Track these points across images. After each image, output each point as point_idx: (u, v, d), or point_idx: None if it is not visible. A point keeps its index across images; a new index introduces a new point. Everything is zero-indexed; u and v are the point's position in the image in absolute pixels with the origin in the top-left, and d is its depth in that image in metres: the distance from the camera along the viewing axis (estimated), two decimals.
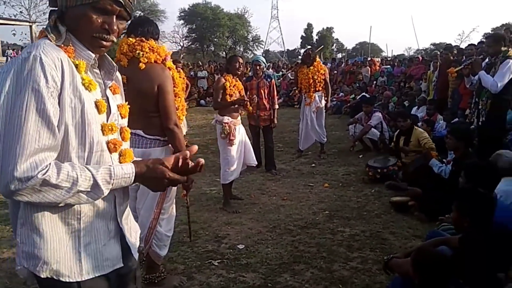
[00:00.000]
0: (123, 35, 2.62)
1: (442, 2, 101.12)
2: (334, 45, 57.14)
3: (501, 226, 2.29)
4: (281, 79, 15.66)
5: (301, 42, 56.07)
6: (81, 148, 1.17)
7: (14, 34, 32.09)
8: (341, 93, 12.82)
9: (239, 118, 4.45)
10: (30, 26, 25.36)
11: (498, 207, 2.30)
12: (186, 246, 3.47)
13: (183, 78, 7.27)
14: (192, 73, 16.05)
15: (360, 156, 6.60)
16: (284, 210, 4.33)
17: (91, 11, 1.14)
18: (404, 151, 5.15)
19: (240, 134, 4.44)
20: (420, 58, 11.73)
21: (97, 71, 1.27)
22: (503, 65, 4.15)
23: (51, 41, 1.14)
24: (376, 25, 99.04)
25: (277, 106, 5.77)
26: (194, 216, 4.06)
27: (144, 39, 2.53)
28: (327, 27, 52.87)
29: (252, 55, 51.15)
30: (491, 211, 2.22)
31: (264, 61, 5.81)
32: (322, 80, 6.45)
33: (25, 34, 29.47)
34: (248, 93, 5.58)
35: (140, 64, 2.48)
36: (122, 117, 1.35)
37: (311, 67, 6.36)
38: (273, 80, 5.82)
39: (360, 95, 10.98)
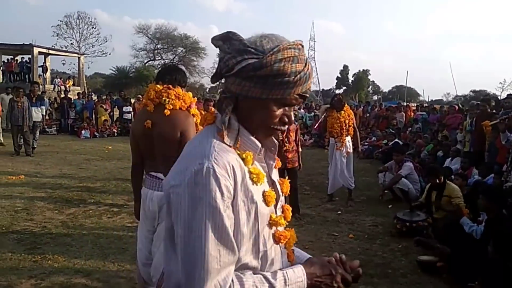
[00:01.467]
0: (153, 81, 2.71)
1: (482, 49, 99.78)
2: (370, 87, 57.11)
3: None
4: (313, 119, 15.67)
5: (336, 83, 56.49)
6: (254, 250, 1.08)
7: (63, 64, 34.36)
8: (373, 137, 12.63)
9: None
10: (79, 58, 26.96)
11: None
12: None
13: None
14: None
15: (390, 206, 6.36)
16: None
17: (274, 104, 1.05)
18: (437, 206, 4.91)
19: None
20: (456, 107, 11.42)
21: (261, 156, 1.15)
22: None
23: (222, 139, 1.04)
24: (413, 68, 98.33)
25: (300, 150, 5.82)
26: None
27: (171, 86, 2.60)
28: (363, 69, 53.12)
29: None
30: None
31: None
32: (352, 125, 6.42)
33: (74, 64, 31.43)
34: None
35: (166, 110, 2.54)
36: (283, 195, 1.25)
37: (342, 112, 6.34)
38: (298, 125, 5.93)
39: (393, 141, 10.76)
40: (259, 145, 1.10)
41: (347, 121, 6.35)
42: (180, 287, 1.00)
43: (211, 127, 1.09)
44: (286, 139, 5.45)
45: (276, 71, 1.00)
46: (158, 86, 2.60)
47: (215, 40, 1.08)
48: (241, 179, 1.02)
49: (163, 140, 2.55)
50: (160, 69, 2.85)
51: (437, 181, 4.89)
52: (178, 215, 0.99)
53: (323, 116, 6.65)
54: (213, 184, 0.97)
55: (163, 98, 2.57)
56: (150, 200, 2.65)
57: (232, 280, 0.99)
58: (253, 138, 1.09)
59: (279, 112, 1.06)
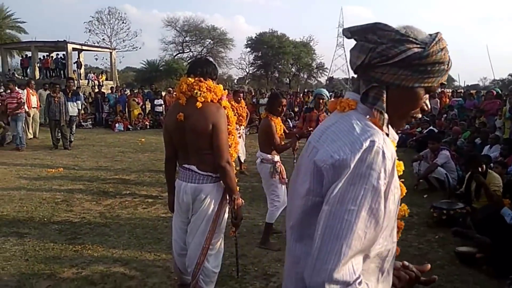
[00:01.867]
0: (184, 74, 2.74)
1: None
2: None
3: None
4: None
5: None
6: (389, 240, 1.08)
7: (96, 59, 35.28)
8: (406, 125, 12.29)
9: None
10: (111, 53, 27.57)
11: None
12: (234, 281, 3.43)
13: (244, 107, 7.46)
14: (254, 100, 16.34)
15: (425, 196, 6.20)
16: None
17: (422, 93, 1.07)
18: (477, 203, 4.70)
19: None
20: (494, 92, 10.92)
21: None
22: None
23: (379, 126, 1.04)
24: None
25: None
26: (244, 249, 4.03)
27: (202, 79, 2.61)
28: None
29: (316, 82, 51.22)
30: None
31: (328, 94, 5.71)
32: None
33: (106, 59, 32.21)
34: (305, 124, 5.51)
35: (197, 103, 2.56)
36: None
37: None
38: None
39: (428, 129, 10.44)
40: (396, 136, 1.14)
41: None
42: (309, 268, 0.96)
43: (353, 113, 1.08)
44: (311, 128, 5.28)
45: (438, 59, 1.04)
46: (190, 79, 2.62)
47: (352, 32, 1.10)
48: (393, 166, 1.02)
49: (195, 132, 2.58)
50: (190, 62, 2.86)
51: (479, 170, 4.70)
52: (333, 190, 0.96)
53: None
54: (380, 165, 0.96)
55: (195, 91, 2.58)
56: (184, 192, 2.69)
57: (360, 275, 0.96)
58: (390, 126, 1.11)
59: (423, 100, 1.09)
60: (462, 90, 20.06)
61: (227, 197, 2.74)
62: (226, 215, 2.82)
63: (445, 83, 1.09)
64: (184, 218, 2.80)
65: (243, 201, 2.77)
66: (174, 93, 16.24)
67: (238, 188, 2.73)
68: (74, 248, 4.01)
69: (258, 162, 4.26)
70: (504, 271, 3.30)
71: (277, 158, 4.18)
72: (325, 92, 5.63)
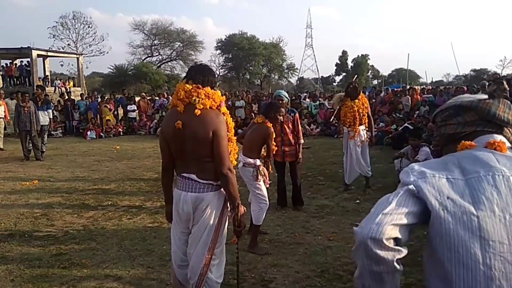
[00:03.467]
0: (182, 80, 2.66)
1: (482, 27, 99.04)
2: (370, 71, 56.78)
3: None
4: (319, 108, 15.59)
5: (336, 70, 56.20)
6: None
7: (61, 65, 34.20)
8: (381, 123, 12.55)
9: None
10: (77, 58, 26.78)
11: None
12: None
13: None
14: (229, 102, 16.27)
15: None
16: (332, 252, 4.16)
17: None
18: None
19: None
20: (465, 88, 11.32)
21: None
22: None
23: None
24: (412, 51, 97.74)
25: (302, 141, 5.53)
26: (239, 255, 3.96)
27: (200, 85, 2.54)
28: (362, 54, 52.73)
29: (287, 82, 51.64)
30: None
31: (287, 95, 5.66)
32: (366, 114, 6.37)
33: (72, 65, 31.29)
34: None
35: (196, 110, 2.49)
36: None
37: (356, 100, 6.27)
38: (296, 114, 5.58)
39: (403, 126, 10.70)
40: None
41: (361, 110, 6.29)
42: None
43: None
44: (281, 132, 5.28)
45: None
46: (187, 85, 2.54)
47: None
48: None
49: (195, 140, 2.50)
50: (190, 68, 2.77)
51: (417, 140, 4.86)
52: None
53: (338, 106, 6.51)
54: None
55: (193, 98, 2.51)
56: (184, 201, 2.61)
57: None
58: None
59: None
60: (430, 87, 20.69)
61: (228, 205, 2.68)
62: (227, 224, 2.76)
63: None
64: (184, 228, 2.72)
65: (245, 208, 2.72)
66: (148, 97, 15.89)
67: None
68: (62, 264, 3.83)
69: (240, 166, 4.23)
70: None
71: (258, 162, 4.20)
72: (283, 93, 5.56)
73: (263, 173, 4.17)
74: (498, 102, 1.20)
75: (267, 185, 4.26)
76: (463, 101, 1.25)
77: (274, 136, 4.26)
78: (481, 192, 1.04)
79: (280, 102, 5.31)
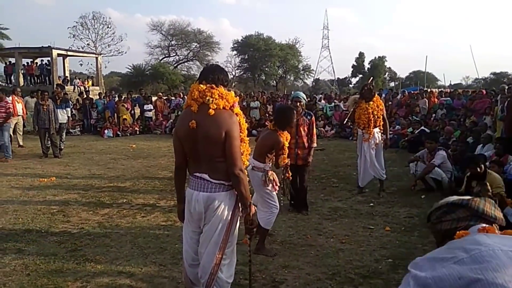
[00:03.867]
0: (196, 81, 2.68)
1: (502, 29, 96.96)
2: (387, 73, 56.16)
3: None
4: (334, 110, 15.49)
5: (352, 71, 55.76)
6: None
7: (81, 65, 34.87)
8: (397, 126, 12.41)
9: None
10: (96, 58, 27.22)
11: None
12: None
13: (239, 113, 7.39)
14: (244, 103, 16.31)
15: (423, 197, 6.24)
16: (344, 255, 4.13)
17: None
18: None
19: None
20: (484, 91, 11.11)
21: None
22: None
23: None
24: (431, 53, 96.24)
25: (315, 145, 5.49)
26: None
27: (214, 86, 2.57)
28: (379, 56, 52.19)
29: (302, 83, 51.48)
30: None
31: (305, 97, 5.60)
32: (381, 116, 6.29)
33: (91, 64, 31.83)
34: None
35: (210, 110, 2.51)
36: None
37: (371, 102, 6.21)
38: (313, 118, 5.53)
39: (419, 129, 10.56)
40: None
41: (375, 112, 6.21)
42: None
43: None
44: (296, 134, 5.24)
45: None
46: (201, 86, 2.57)
47: None
48: None
49: (208, 140, 2.52)
50: (203, 68, 2.80)
51: (478, 170, 4.75)
52: None
53: (353, 108, 6.46)
54: None
55: (207, 98, 2.53)
56: (196, 201, 2.63)
57: None
58: None
59: None
60: (448, 90, 20.35)
61: (240, 205, 2.69)
62: (238, 224, 2.77)
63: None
64: (195, 227, 2.74)
65: (256, 208, 2.72)
66: (164, 97, 16.08)
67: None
68: (76, 260, 3.90)
69: (249, 168, 4.12)
70: None
71: (267, 167, 4.11)
72: (302, 95, 5.52)
73: (272, 179, 4.09)
74: (485, 200, 1.37)
75: (276, 191, 4.18)
76: (454, 200, 1.41)
77: (284, 145, 4.13)
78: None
79: (298, 104, 5.29)
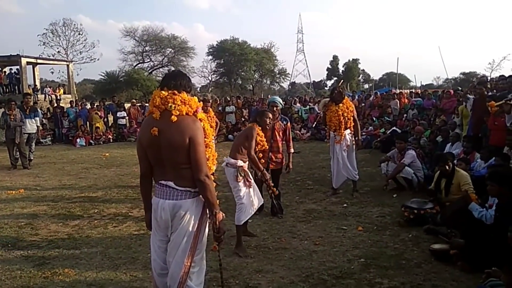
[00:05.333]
0: (158, 87, 2.65)
1: (471, 30, 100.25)
2: (361, 76, 57.10)
3: None
4: (309, 113, 15.63)
5: (327, 74, 56.43)
6: None
7: (52, 73, 34.00)
8: (370, 127, 12.61)
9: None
10: (68, 65, 26.65)
11: None
12: None
13: (212, 117, 7.37)
14: (220, 108, 16.26)
15: (394, 196, 6.36)
16: (317, 256, 4.16)
17: None
18: (446, 200, 4.87)
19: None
20: (451, 91, 11.44)
21: None
22: None
23: None
24: (402, 55, 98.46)
25: (292, 150, 5.63)
26: (223, 261, 3.91)
27: (176, 92, 2.54)
28: (353, 59, 53.01)
29: (279, 87, 51.73)
30: None
31: (281, 102, 5.68)
32: (351, 117, 6.38)
33: (62, 72, 31.12)
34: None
35: (172, 116, 2.48)
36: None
37: (340, 105, 6.30)
38: (288, 123, 5.62)
39: (391, 129, 10.76)
40: None
41: (345, 114, 6.30)
42: None
43: None
44: (272, 138, 5.29)
45: None
46: (163, 92, 2.54)
47: None
48: None
49: (171, 147, 2.49)
50: (164, 75, 2.77)
51: (447, 168, 4.88)
52: None
53: (323, 111, 6.54)
54: None
55: (169, 104, 2.50)
56: (162, 209, 2.59)
57: None
58: None
59: None
60: (419, 90, 20.85)
61: (207, 212, 2.67)
62: (207, 230, 2.74)
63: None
64: (163, 236, 2.70)
65: (223, 214, 2.70)
66: (138, 104, 15.82)
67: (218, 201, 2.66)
68: (44, 274, 3.78)
69: (224, 165, 4.42)
70: (478, 265, 3.39)
71: (240, 163, 4.31)
72: (278, 99, 5.57)
73: (243, 174, 4.28)
74: None
75: (247, 188, 4.32)
76: None
77: (258, 137, 4.38)
78: None
79: (275, 108, 5.33)
